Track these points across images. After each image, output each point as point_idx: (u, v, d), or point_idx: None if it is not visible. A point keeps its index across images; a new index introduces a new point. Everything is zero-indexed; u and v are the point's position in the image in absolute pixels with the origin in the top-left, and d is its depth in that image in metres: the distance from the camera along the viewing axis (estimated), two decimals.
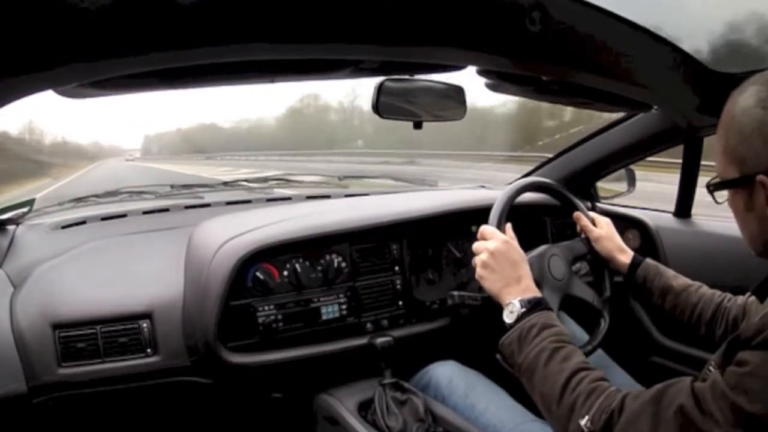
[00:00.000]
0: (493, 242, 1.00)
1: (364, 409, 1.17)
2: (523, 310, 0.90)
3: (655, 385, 0.73)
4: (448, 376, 1.19)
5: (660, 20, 0.83)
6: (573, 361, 0.82)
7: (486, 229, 1.04)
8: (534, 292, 0.94)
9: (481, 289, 1.02)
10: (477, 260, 1.01)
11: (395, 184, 2.03)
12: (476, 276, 1.01)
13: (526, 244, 1.17)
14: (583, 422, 0.74)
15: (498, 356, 0.92)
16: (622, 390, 0.76)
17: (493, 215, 1.11)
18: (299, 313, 1.21)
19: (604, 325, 1.17)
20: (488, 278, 0.98)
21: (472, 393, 1.14)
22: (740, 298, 1.06)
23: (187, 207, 1.59)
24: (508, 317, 0.91)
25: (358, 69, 0.89)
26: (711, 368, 0.72)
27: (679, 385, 0.70)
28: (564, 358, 0.82)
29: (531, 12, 0.70)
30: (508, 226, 1.08)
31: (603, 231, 1.22)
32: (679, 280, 1.14)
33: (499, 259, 0.98)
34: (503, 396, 1.13)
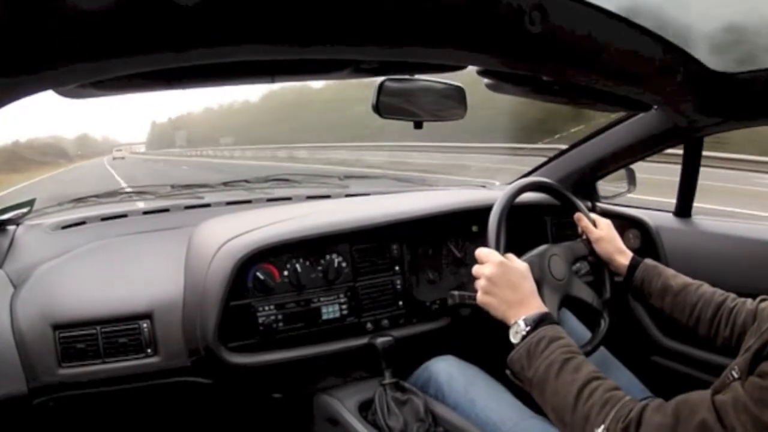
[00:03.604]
0: (489, 267, 1.00)
1: (365, 409, 1.17)
2: (528, 328, 0.90)
3: (675, 397, 0.72)
4: (448, 371, 1.19)
5: (660, 20, 0.82)
6: (584, 371, 0.81)
7: (481, 252, 1.04)
8: (538, 309, 0.94)
9: None
10: (477, 286, 1.01)
11: (396, 184, 2.03)
12: (479, 303, 1.01)
13: (526, 244, 1.17)
14: (598, 431, 0.74)
15: (508, 372, 0.92)
16: (636, 398, 0.76)
17: (494, 215, 1.11)
18: (299, 313, 1.21)
19: (603, 325, 1.17)
20: (490, 304, 0.98)
21: (472, 388, 1.14)
22: (749, 302, 1.03)
23: (187, 207, 1.59)
24: (513, 337, 0.92)
25: (359, 69, 0.89)
26: (734, 374, 0.71)
27: (699, 399, 0.70)
28: (575, 368, 0.82)
29: (531, 12, 0.70)
30: (511, 256, 1.06)
31: (603, 232, 1.21)
32: (678, 280, 1.12)
33: (498, 283, 0.98)
34: (503, 392, 1.13)
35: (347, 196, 1.76)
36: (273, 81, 0.87)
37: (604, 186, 1.77)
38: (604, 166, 1.66)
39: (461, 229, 1.43)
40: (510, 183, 1.45)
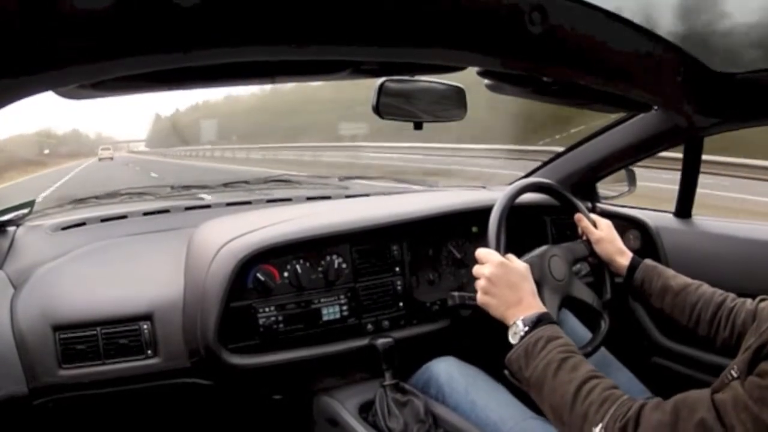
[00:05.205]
0: (489, 267, 1.00)
1: (365, 410, 1.17)
2: (526, 328, 0.90)
3: (674, 396, 0.72)
4: (448, 372, 1.19)
5: (661, 21, 0.83)
6: (582, 370, 0.82)
7: (481, 253, 1.04)
8: (536, 309, 0.94)
9: None
10: (477, 286, 1.01)
11: (396, 185, 2.03)
12: (478, 303, 1.01)
13: (527, 245, 1.17)
14: (596, 430, 0.74)
15: (506, 372, 0.92)
16: (635, 397, 0.76)
17: (494, 216, 1.11)
18: (300, 315, 1.21)
19: (604, 326, 1.17)
20: (490, 304, 0.98)
21: (472, 389, 1.15)
22: (748, 302, 1.03)
23: (188, 208, 1.58)
24: (512, 338, 0.92)
25: (359, 69, 0.89)
26: (733, 373, 0.71)
27: (699, 397, 0.70)
28: (573, 367, 0.82)
29: (531, 13, 0.70)
30: (511, 257, 1.06)
31: (603, 233, 1.21)
32: (678, 280, 1.12)
33: (497, 284, 0.98)
34: (503, 393, 1.13)
35: (347, 197, 1.76)
36: (273, 82, 0.87)
37: (604, 187, 1.77)
38: (604, 166, 1.66)
39: (461, 229, 1.43)
40: (510, 184, 1.45)
